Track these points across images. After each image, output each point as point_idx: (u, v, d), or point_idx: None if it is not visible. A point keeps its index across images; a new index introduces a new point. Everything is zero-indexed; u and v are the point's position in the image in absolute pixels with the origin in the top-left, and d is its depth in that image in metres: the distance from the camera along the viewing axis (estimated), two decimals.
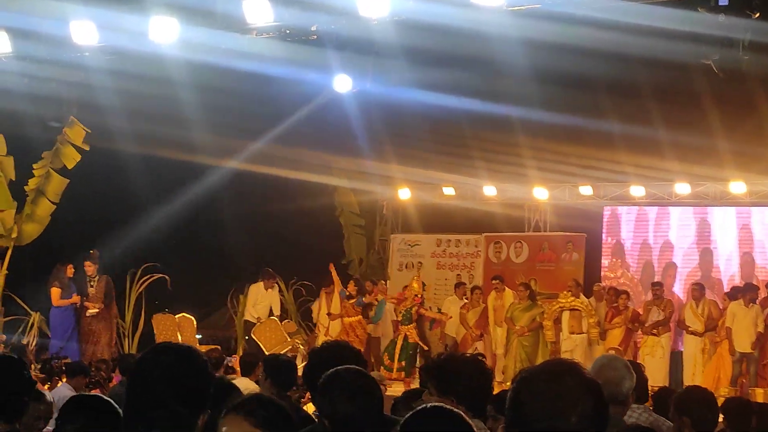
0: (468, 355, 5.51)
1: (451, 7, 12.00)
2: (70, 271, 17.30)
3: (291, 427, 3.41)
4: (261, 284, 19.26)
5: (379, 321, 18.52)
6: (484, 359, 5.22)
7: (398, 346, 17.49)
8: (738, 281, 18.55)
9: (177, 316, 18.92)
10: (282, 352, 17.75)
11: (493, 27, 11.96)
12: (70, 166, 18.65)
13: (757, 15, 10.92)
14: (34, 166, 18.77)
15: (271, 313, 18.86)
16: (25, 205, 18.71)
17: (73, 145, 18.57)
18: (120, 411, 3.40)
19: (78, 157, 18.58)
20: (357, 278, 18.76)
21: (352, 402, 4.05)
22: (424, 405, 3.38)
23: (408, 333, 17.55)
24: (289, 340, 18.43)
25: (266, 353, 17.70)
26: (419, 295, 17.89)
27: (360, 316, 17.93)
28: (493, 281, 18.62)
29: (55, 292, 17.18)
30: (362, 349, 17.60)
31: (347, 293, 17.89)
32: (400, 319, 17.82)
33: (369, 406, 4.10)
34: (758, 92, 14.02)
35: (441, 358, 5.35)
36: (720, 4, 10.96)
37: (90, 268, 17.41)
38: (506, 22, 11.85)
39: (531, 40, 12.27)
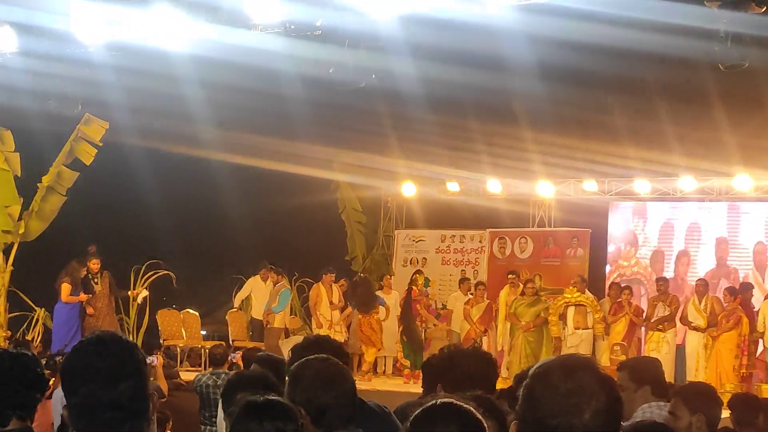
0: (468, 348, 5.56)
1: (456, 2, 11.99)
2: (83, 271, 17.23)
3: None
4: (258, 277, 19.28)
5: (280, 311, 18.29)
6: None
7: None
8: (751, 273, 18.62)
9: (181, 311, 18.94)
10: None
11: (499, 22, 11.94)
12: (87, 163, 18.62)
13: (764, 9, 10.89)
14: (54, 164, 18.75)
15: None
16: (32, 201, 18.67)
17: (89, 141, 18.53)
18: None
19: (94, 152, 18.55)
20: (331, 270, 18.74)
21: (324, 388, 4.09)
22: (433, 401, 3.25)
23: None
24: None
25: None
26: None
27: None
28: (510, 276, 18.56)
29: (65, 287, 17.03)
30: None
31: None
32: None
33: (339, 392, 4.14)
34: (765, 87, 13.98)
35: (444, 353, 5.35)
36: None
37: (95, 265, 17.37)
38: (512, 17, 11.84)
39: (537, 35, 12.26)
